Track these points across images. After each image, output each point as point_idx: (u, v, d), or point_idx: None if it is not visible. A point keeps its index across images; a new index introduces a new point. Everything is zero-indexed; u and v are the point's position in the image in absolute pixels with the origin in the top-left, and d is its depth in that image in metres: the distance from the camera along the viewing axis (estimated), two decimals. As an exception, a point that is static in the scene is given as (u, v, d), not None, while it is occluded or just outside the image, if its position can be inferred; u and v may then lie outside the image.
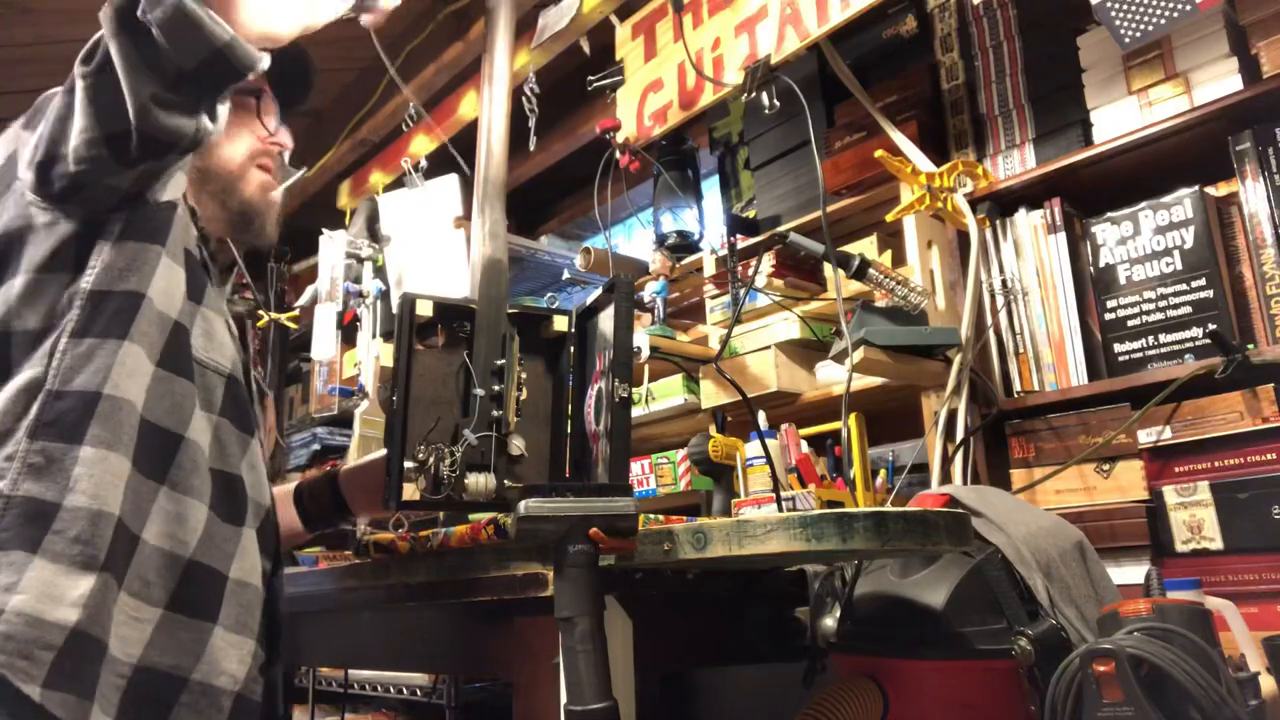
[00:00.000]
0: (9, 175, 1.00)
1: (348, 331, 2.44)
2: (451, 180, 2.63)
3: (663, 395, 2.00)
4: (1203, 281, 1.46)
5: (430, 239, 2.59)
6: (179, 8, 0.85)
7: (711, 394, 1.89)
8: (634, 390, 1.71)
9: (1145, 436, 1.42)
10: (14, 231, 0.97)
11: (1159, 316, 1.50)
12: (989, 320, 1.66)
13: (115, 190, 0.95)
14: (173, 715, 0.94)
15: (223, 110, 0.96)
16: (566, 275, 2.63)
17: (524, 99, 2.35)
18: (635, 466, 2.01)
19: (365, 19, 1.13)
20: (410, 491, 1.18)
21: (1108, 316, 1.55)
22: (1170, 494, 1.37)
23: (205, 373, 1.05)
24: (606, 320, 1.16)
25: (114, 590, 0.90)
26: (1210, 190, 1.50)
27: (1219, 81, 1.50)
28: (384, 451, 1.22)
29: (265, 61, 0.93)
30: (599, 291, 1.20)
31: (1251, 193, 1.42)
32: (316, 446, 3.10)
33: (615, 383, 1.08)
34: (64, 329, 0.93)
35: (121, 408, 0.93)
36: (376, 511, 1.36)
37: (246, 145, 1.23)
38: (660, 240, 2.28)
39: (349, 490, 1.35)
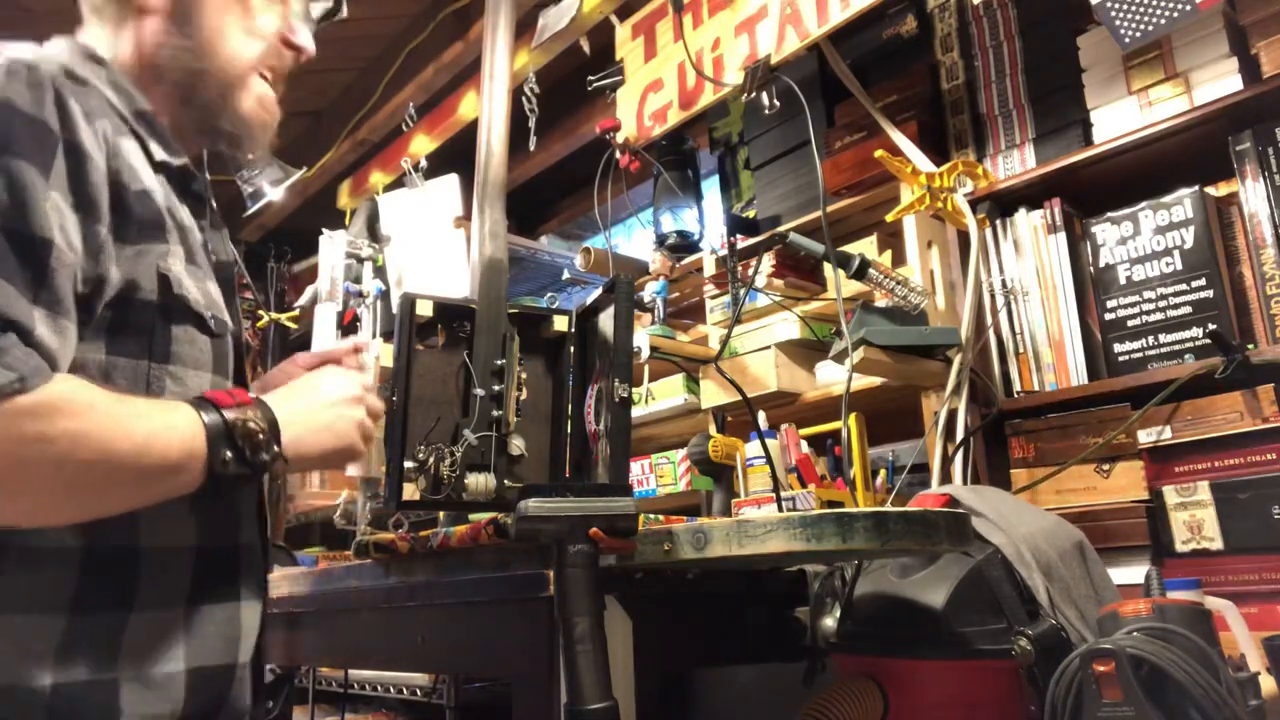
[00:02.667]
0: None
1: (348, 331, 2.44)
2: (451, 180, 2.63)
3: (663, 395, 2.00)
4: (1203, 281, 1.46)
5: (430, 239, 2.58)
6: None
7: (711, 394, 1.89)
8: (634, 390, 1.71)
9: (1145, 436, 1.42)
10: None
11: (1159, 316, 1.50)
12: (989, 320, 1.66)
13: None
14: None
15: None
16: (566, 275, 2.63)
17: (524, 99, 2.35)
18: (635, 466, 2.01)
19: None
20: (410, 491, 1.18)
21: (1108, 316, 1.55)
22: (1170, 494, 1.37)
23: None
24: (606, 320, 1.17)
25: None
26: (1210, 190, 1.50)
27: (1219, 81, 1.50)
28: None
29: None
30: (599, 291, 1.20)
31: (1251, 193, 1.42)
32: (316, 446, 3.09)
33: (615, 383, 1.08)
34: None
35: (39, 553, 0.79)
36: None
37: (259, 46, 0.98)
38: (660, 240, 2.28)
39: None
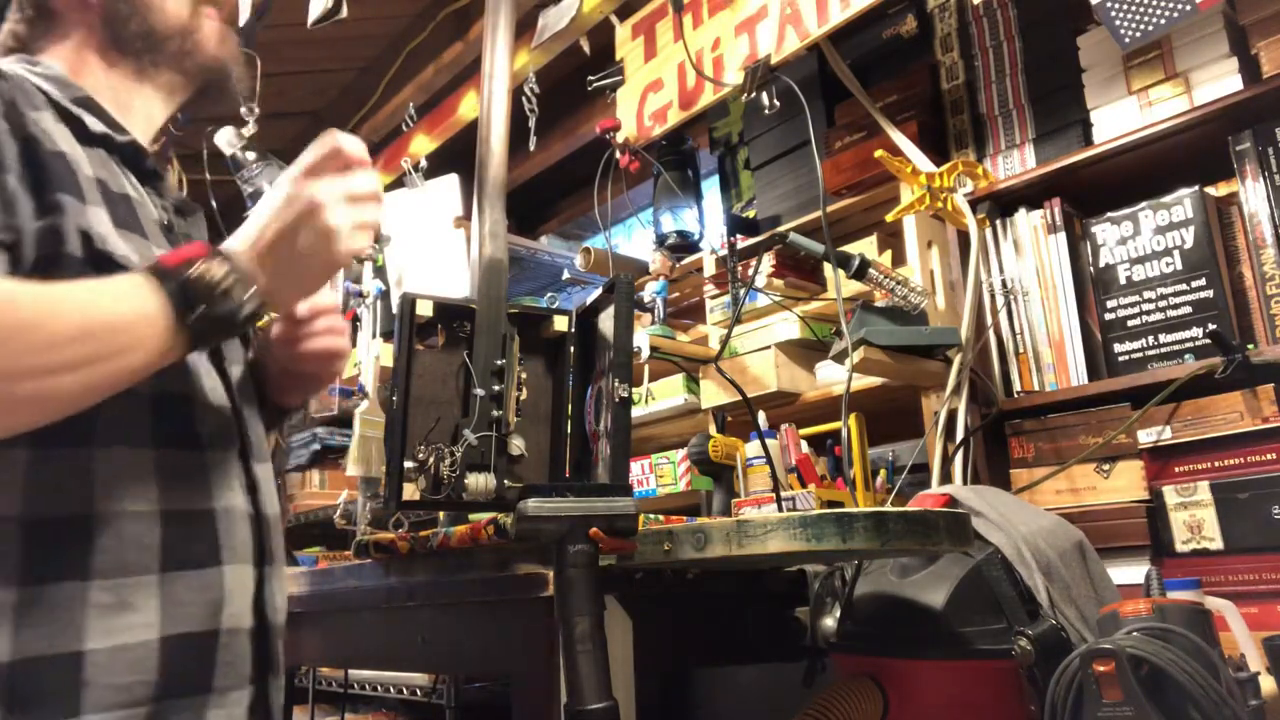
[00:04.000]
0: None
1: (348, 331, 2.44)
2: (451, 180, 2.63)
3: (663, 395, 2.00)
4: (1203, 281, 1.46)
5: (430, 239, 2.58)
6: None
7: (711, 394, 1.89)
8: (634, 390, 1.71)
9: (1145, 436, 1.42)
10: None
11: (1159, 316, 1.50)
12: (989, 320, 1.66)
13: None
14: None
15: None
16: (566, 275, 2.62)
17: (524, 99, 2.34)
18: (635, 466, 2.01)
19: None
20: (410, 491, 1.18)
21: (1108, 316, 1.55)
22: (1170, 494, 1.37)
23: (120, 405, 0.82)
24: (607, 320, 1.17)
25: None
26: (1210, 190, 1.50)
27: (1219, 81, 1.50)
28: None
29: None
30: (599, 291, 1.20)
31: (1251, 193, 1.42)
32: (316, 446, 3.10)
33: (615, 383, 1.08)
34: None
35: None
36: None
37: None
38: (660, 240, 2.28)
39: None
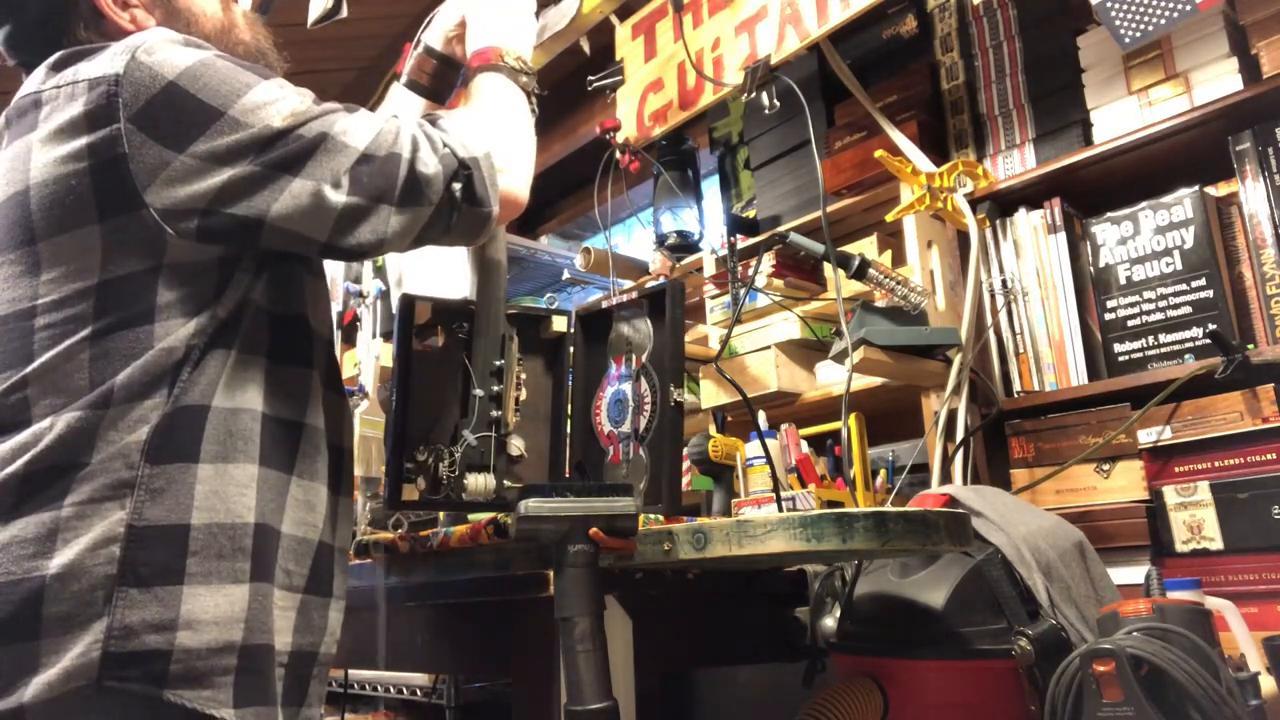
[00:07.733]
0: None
1: (348, 331, 2.44)
2: (451, 180, 2.62)
3: (663, 395, 2.00)
4: (1203, 281, 1.46)
5: (430, 239, 2.58)
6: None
7: (711, 394, 1.89)
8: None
9: (1145, 436, 1.41)
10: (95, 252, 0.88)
11: (1159, 316, 1.50)
12: (989, 320, 1.66)
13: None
14: (309, 690, 0.96)
15: None
16: (566, 275, 2.62)
17: (524, 99, 2.34)
18: (635, 466, 2.01)
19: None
20: (410, 491, 1.18)
21: (1108, 316, 1.55)
22: (1170, 494, 1.37)
23: (319, 344, 1.00)
24: (640, 325, 1.19)
25: (268, 592, 0.90)
26: (1210, 190, 1.50)
27: (1219, 81, 1.50)
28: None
29: None
30: (628, 294, 1.21)
31: (1251, 193, 1.42)
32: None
33: (670, 388, 1.11)
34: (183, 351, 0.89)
35: (238, 415, 0.90)
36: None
37: None
38: (660, 240, 2.28)
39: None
